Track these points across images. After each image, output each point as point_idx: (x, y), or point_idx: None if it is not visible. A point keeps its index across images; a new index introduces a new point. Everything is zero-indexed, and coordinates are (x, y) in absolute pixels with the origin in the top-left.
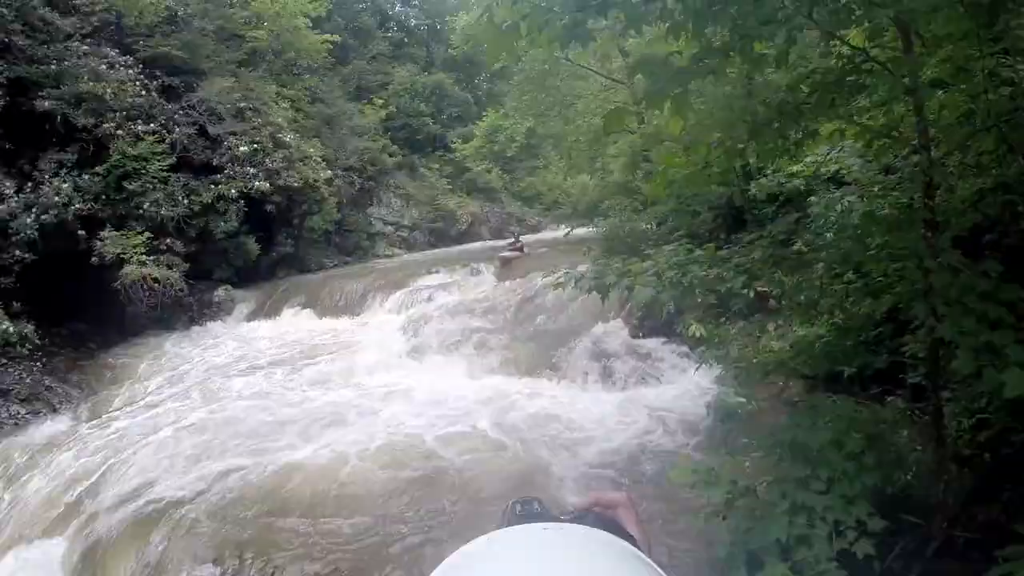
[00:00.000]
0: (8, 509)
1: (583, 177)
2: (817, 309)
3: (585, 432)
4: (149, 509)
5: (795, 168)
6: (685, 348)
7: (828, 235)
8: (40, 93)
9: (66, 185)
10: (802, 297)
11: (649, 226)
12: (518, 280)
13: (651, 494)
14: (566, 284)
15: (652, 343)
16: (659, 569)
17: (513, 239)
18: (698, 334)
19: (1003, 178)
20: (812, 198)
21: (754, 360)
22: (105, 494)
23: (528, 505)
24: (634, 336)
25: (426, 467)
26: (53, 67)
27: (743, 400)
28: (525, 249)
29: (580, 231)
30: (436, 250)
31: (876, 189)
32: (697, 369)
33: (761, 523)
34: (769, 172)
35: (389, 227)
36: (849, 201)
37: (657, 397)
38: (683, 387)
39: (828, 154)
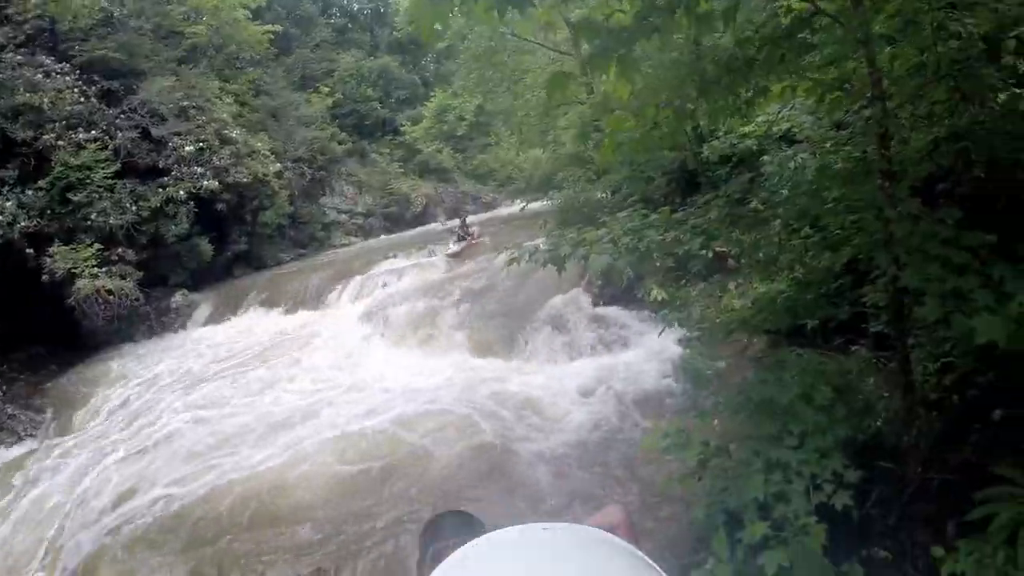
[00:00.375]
0: None
1: (535, 151)
2: (777, 265)
3: (552, 406)
4: (119, 534)
5: (747, 129)
6: (647, 313)
7: (783, 192)
8: None
9: (9, 203)
10: (761, 254)
11: (604, 195)
12: (475, 259)
13: (625, 463)
14: (520, 258)
15: (614, 311)
16: (658, 568)
17: (460, 225)
18: (659, 298)
19: (956, 127)
20: (765, 157)
21: (717, 320)
22: (74, 522)
23: (445, 521)
24: (595, 305)
25: (393, 457)
26: None
27: (708, 360)
28: (476, 232)
29: (536, 205)
30: (392, 235)
31: (828, 145)
32: (661, 333)
33: (737, 482)
34: (721, 134)
35: (343, 216)
36: (802, 158)
37: (623, 364)
38: (648, 352)
39: (779, 112)
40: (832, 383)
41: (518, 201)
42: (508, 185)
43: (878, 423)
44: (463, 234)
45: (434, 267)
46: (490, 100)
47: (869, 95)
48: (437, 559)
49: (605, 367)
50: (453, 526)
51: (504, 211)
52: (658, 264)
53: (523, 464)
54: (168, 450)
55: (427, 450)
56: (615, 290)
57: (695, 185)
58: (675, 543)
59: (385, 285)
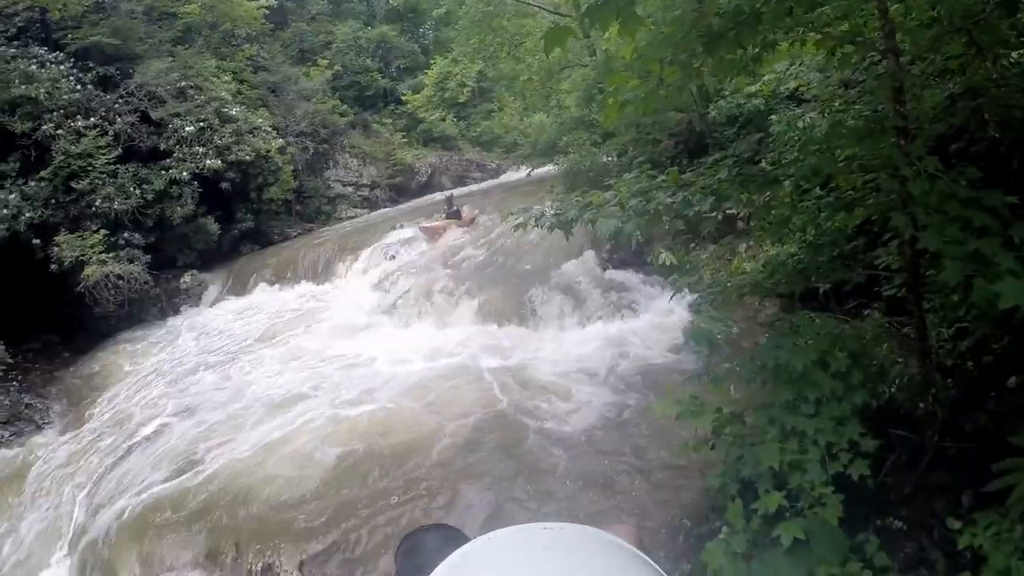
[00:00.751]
0: (4, 531)
1: (539, 116)
2: (789, 227)
3: (563, 374)
4: (138, 516)
5: (753, 88)
6: (657, 277)
7: (793, 153)
8: None
9: (12, 196)
10: (772, 215)
11: (610, 159)
12: (483, 226)
13: (637, 430)
14: (527, 224)
15: (623, 275)
16: (658, 568)
17: (446, 203)
18: (668, 262)
19: (971, 83)
20: (773, 117)
21: (728, 283)
22: (96, 507)
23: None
24: (604, 270)
25: (404, 432)
26: None
27: (719, 325)
28: (467, 213)
29: (542, 170)
30: (399, 206)
31: (837, 103)
32: (672, 298)
33: (751, 451)
34: (727, 94)
35: (348, 188)
36: (811, 118)
37: (633, 329)
38: (658, 316)
39: (787, 70)
40: (848, 348)
41: (524, 167)
42: (513, 151)
43: (892, 389)
44: (450, 212)
45: (444, 235)
46: (491, 66)
47: (882, 48)
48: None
49: (615, 333)
50: (435, 542)
51: (510, 177)
52: (667, 227)
53: (534, 436)
54: (181, 430)
55: (438, 424)
56: (624, 254)
57: (702, 146)
58: (689, 511)
59: (393, 257)
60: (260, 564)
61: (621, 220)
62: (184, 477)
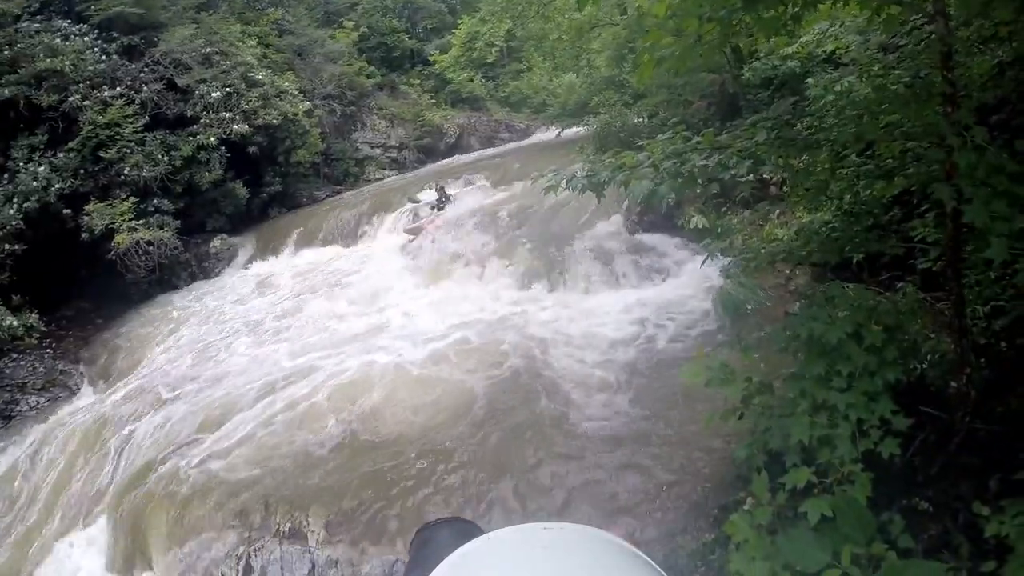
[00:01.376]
0: (44, 495)
1: (569, 76)
2: (827, 194)
3: (591, 337)
4: (169, 477)
5: (789, 50)
6: (687, 241)
7: (830, 119)
8: None
9: (42, 168)
10: (810, 181)
11: (641, 120)
12: (513, 187)
13: (665, 396)
14: (557, 185)
15: (653, 238)
16: (658, 568)
17: (437, 196)
18: (700, 225)
19: (1022, 51)
20: (809, 80)
21: (761, 249)
22: (131, 467)
23: (438, 530)
24: (634, 233)
25: (433, 390)
26: (6, 53)
27: (749, 292)
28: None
29: (572, 131)
30: (427, 167)
31: (876, 68)
32: (704, 263)
33: (780, 423)
34: (762, 55)
35: (376, 150)
36: (848, 82)
37: (662, 294)
38: (689, 281)
39: (826, 31)
40: (883, 322)
41: (553, 127)
42: (542, 112)
43: (923, 366)
44: (441, 206)
45: (473, 197)
46: (520, 25)
47: (930, 10)
48: (428, 569)
49: (645, 297)
50: (448, 535)
51: (540, 138)
52: (699, 191)
53: (561, 401)
54: (211, 393)
55: (465, 387)
56: (655, 217)
57: (735, 109)
58: (714, 481)
59: (422, 217)
60: (288, 524)
61: (655, 182)
62: (213, 439)
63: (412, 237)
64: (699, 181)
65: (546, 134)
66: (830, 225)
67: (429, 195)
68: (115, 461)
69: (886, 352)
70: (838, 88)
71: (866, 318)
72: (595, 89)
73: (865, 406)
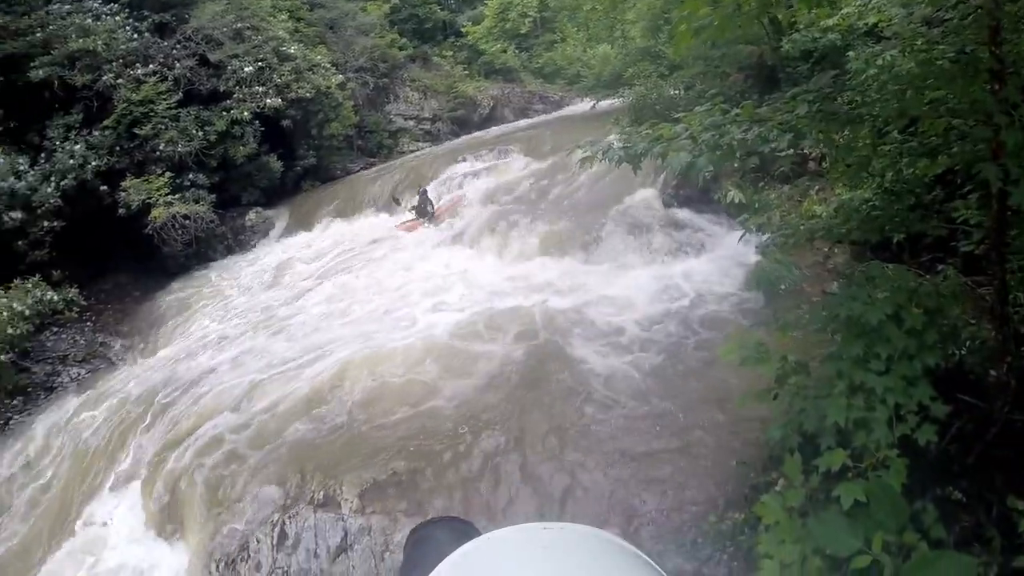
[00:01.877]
0: (84, 460)
1: (603, 47)
2: (868, 171)
3: (623, 311)
4: (206, 445)
5: (830, 22)
6: (724, 216)
7: (872, 94)
8: (32, 64)
9: (78, 146)
10: (852, 157)
11: (677, 92)
12: (548, 159)
13: (697, 374)
14: (593, 157)
15: (688, 213)
16: (658, 568)
17: (419, 200)
18: (737, 200)
19: None
20: (850, 53)
21: (800, 226)
22: (168, 434)
23: (435, 529)
24: (669, 206)
25: (464, 362)
26: (39, 35)
27: (786, 269)
28: (443, 208)
29: (607, 103)
30: (461, 138)
31: (920, 42)
32: (741, 239)
33: (816, 404)
34: (801, 27)
35: (410, 122)
36: (891, 56)
37: (697, 269)
38: (724, 257)
39: (867, 3)
40: (924, 305)
41: (587, 99)
42: (576, 83)
43: (962, 352)
44: (423, 210)
45: (507, 168)
46: None
47: None
48: (427, 569)
49: (679, 272)
50: (444, 534)
51: (574, 109)
52: (736, 165)
53: (592, 376)
54: (248, 363)
55: (498, 358)
56: (690, 191)
57: (774, 82)
58: (746, 461)
59: (461, 187)
60: (323, 492)
61: (693, 154)
62: (250, 408)
63: (408, 231)
64: (738, 154)
65: (580, 106)
66: (871, 203)
67: (465, 166)
68: (153, 428)
69: (926, 336)
70: (880, 62)
71: (906, 300)
72: (630, 60)
73: (903, 390)
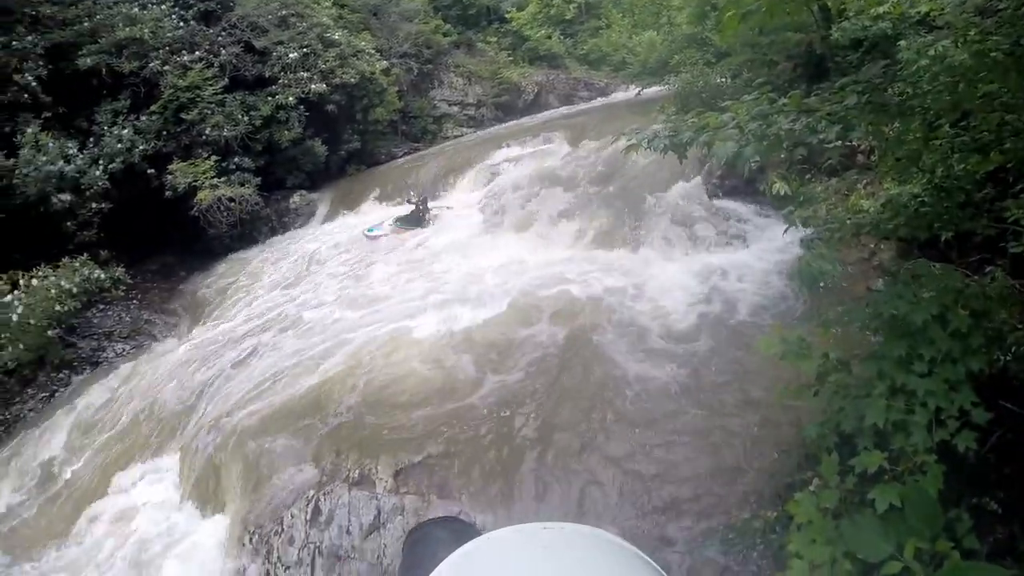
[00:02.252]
0: (123, 429)
1: (649, 33)
2: (919, 166)
3: (664, 300)
4: (245, 420)
5: (881, 9)
6: (768, 208)
7: (924, 86)
8: (80, 52)
9: (125, 131)
10: (901, 151)
11: (724, 80)
12: (592, 145)
13: (736, 367)
14: (639, 144)
15: (733, 203)
16: (658, 568)
17: (418, 204)
18: (783, 192)
19: None
20: (901, 43)
21: (846, 220)
22: (210, 409)
23: (432, 529)
24: (713, 197)
25: (503, 348)
26: (86, 24)
27: (830, 264)
28: (430, 216)
29: (652, 90)
30: (505, 124)
31: (973, 33)
32: (786, 232)
33: (855, 404)
34: (851, 15)
35: (454, 108)
36: (943, 46)
37: (740, 261)
38: (768, 249)
39: None
40: (970, 307)
41: (633, 86)
42: (622, 70)
43: (1007, 358)
44: (420, 214)
45: (551, 155)
46: None
47: None
48: (427, 569)
49: (722, 263)
50: (442, 534)
51: (619, 96)
52: (783, 156)
53: (632, 366)
54: (289, 343)
55: (537, 347)
56: (735, 181)
57: (823, 71)
58: (781, 458)
59: (504, 173)
60: (358, 471)
61: (740, 144)
62: (290, 387)
63: (376, 238)
64: (784, 145)
65: (626, 93)
66: (919, 199)
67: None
68: (195, 403)
69: (971, 339)
70: (932, 53)
71: (952, 301)
72: (676, 47)
73: (945, 394)
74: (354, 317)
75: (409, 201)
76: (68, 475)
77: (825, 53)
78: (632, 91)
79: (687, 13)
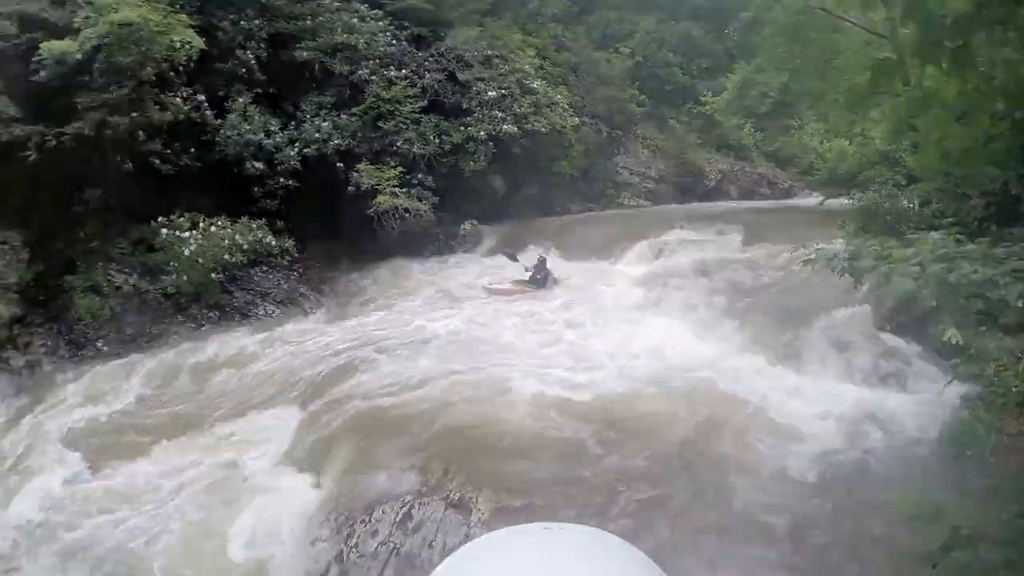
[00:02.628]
0: (257, 379)
1: (841, 142)
2: None
3: (805, 424)
4: (374, 409)
5: None
6: (935, 353)
7: None
8: (298, 45)
9: (325, 124)
10: None
11: (911, 205)
12: (767, 248)
13: (858, 512)
14: (817, 261)
15: (898, 340)
16: (659, 568)
17: (535, 267)
18: (954, 341)
19: None
20: None
21: (1013, 387)
22: (337, 387)
23: None
24: (880, 329)
25: (636, 423)
26: (308, 22)
27: (986, 431)
28: (552, 280)
29: (835, 202)
30: (681, 205)
31: None
32: (947, 384)
33: None
34: None
35: (635, 177)
36: None
37: (895, 403)
38: (926, 398)
39: None
40: None
41: (815, 194)
42: (808, 174)
43: None
44: (539, 276)
45: (723, 247)
46: (795, 79)
47: None
48: None
49: (873, 401)
50: None
51: (800, 201)
52: (961, 303)
53: (754, 479)
54: (426, 353)
55: (670, 431)
56: (905, 319)
57: (1017, 215)
58: None
59: (672, 255)
60: (459, 495)
61: (918, 284)
62: (415, 395)
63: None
64: (962, 297)
65: (807, 199)
66: None
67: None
68: (323, 379)
69: None
70: None
71: None
72: (867, 162)
73: None
74: (491, 350)
75: (512, 258)
76: (181, 401)
77: (1021, 195)
78: (814, 198)
79: (883, 128)
